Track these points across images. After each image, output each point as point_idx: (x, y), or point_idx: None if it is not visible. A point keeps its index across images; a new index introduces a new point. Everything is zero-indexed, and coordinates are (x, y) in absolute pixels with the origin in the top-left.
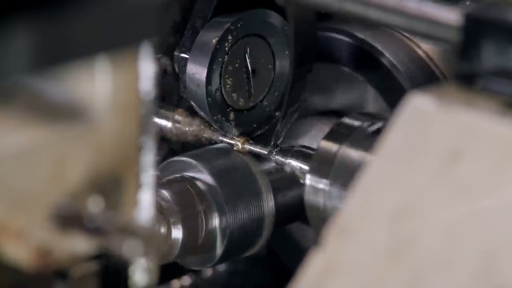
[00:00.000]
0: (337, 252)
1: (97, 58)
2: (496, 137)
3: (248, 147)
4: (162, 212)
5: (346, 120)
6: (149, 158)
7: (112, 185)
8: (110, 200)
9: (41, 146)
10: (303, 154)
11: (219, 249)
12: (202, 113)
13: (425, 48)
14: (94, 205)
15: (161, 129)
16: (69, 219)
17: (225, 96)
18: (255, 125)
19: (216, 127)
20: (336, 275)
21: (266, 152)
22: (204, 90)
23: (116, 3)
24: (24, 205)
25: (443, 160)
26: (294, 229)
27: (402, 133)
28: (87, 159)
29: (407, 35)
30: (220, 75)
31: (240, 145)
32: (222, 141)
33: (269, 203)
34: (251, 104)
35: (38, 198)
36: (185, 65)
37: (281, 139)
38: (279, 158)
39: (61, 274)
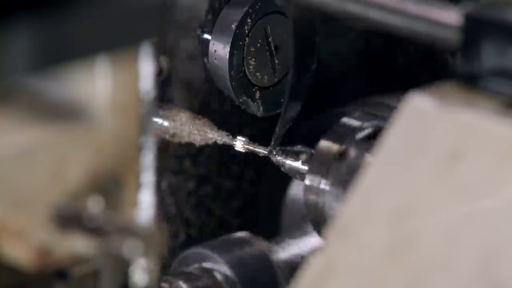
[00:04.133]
0: (337, 252)
1: (97, 58)
2: (496, 137)
3: (248, 146)
4: None
5: (346, 120)
6: (149, 158)
7: (112, 185)
8: (110, 200)
9: (41, 146)
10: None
11: None
12: (227, 94)
13: None
14: (94, 205)
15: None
16: (69, 219)
17: (249, 77)
18: (281, 100)
19: (242, 108)
20: (336, 275)
21: (266, 152)
22: (227, 75)
23: (116, 3)
24: (24, 205)
25: (443, 160)
26: None
27: (402, 133)
28: (87, 159)
29: None
30: (242, 57)
31: (240, 145)
32: (221, 142)
33: None
34: (276, 80)
35: (38, 198)
36: (207, 46)
37: (280, 138)
38: (279, 158)
39: (61, 274)
